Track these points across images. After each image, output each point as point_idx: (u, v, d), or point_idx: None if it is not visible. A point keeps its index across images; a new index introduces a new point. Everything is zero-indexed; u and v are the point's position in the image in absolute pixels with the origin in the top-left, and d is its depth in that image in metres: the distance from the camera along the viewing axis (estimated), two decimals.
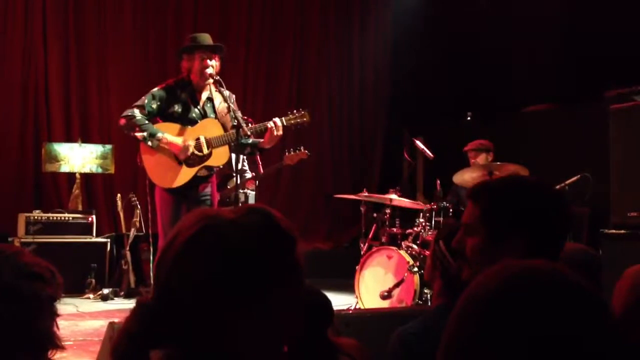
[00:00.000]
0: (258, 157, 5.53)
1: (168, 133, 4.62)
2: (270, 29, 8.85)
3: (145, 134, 4.55)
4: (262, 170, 5.91)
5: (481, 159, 5.80)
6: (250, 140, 4.70)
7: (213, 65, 4.62)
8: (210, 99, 4.76)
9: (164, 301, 0.90)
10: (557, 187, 5.53)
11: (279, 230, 0.99)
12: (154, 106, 4.65)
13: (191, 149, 4.59)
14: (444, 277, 2.10)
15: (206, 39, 4.74)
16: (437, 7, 8.71)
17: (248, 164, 6.14)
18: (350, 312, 4.64)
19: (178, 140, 4.60)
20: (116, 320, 5.33)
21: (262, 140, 4.70)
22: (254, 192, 6.43)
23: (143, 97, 4.67)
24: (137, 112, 4.60)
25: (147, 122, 4.59)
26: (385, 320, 3.19)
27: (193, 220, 0.98)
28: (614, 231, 4.92)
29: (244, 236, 0.96)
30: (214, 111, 4.75)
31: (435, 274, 2.12)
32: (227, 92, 4.60)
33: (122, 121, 4.64)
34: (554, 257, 1.64)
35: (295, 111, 4.82)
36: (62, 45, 7.71)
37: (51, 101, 7.64)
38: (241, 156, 5.59)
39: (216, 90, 4.70)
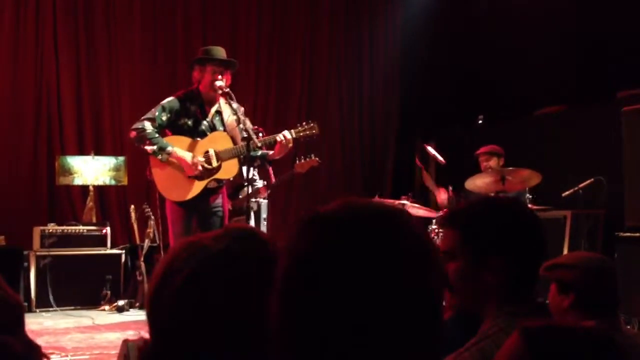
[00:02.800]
0: (270, 168, 5.54)
1: (177, 146, 4.63)
2: (280, 40, 8.87)
3: (155, 147, 4.57)
4: (274, 180, 5.92)
5: (493, 162, 5.78)
6: (260, 153, 4.71)
7: (223, 80, 4.63)
8: (218, 112, 4.77)
9: (166, 344, 0.88)
10: (571, 190, 5.50)
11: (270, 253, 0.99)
12: (164, 118, 4.66)
13: (201, 164, 4.60)
14: (453, 287, 2.11)
15: (220, 52, 4.74)
16: (445, 11, 8.70)
17: (259, 174, 6.15)
18: None
19: (187, 156, 4.60)
20: (131, 332, 5.38)
21: (271, 152, 4.71)
22: (266, 201, 6.44)
23: (153, 110, 4.68)
24: (147, 124, 4.61)
25: (157, 135, 4.60)
26: None
27: (183, 256, 0.97)
28: (629, 234, 4.89)
29: (242, 265, 0.95)
30: (223, 124, 4.76)
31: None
32: (235, 105, 4.61)
33: (133, 134, 4.66)
34: (534, 276, 1.67)
35: (304, 123, 4.83)
36: (73, 60, 7.77)
37: (64, 114, 7.70)
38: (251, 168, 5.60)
39: (225, 103, 4.71)
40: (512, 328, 1.54)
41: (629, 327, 4.42)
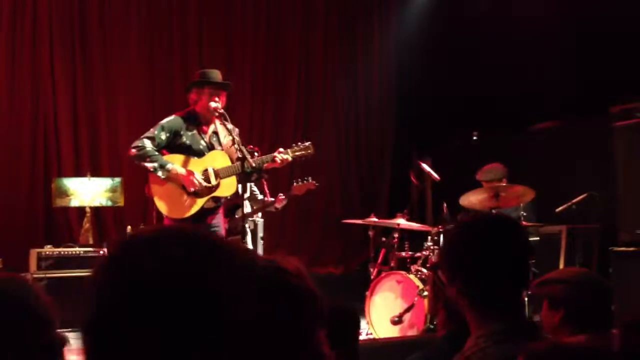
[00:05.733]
0: (264, 182, 5.55)
1: (176, 164, 4.68)
2: (275, 58, 8.94)
3: (155, 164, 4.61)
4: (269, 196, 5.93)
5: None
6: (255, 165, 4.74)
7: (218, 101, 4.71)
8: (215, 133, 4.84)
9: None
10: (565, 206, 5.53)
11: None
12: (163, 138, 4.71)
13: (200, 181, 4.63)
14: (447, 306, 2.13)
15: (216, 75, 4.83)
16: (439, 28, 8.77)
17: (257, 187, 6.15)
18: (360, 342, 4.61)
19: (186, 172, 4.65)
20: None
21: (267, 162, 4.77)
22: (262, 220, 6.45)
23: (152, 129, 4.74)
24: (147, 142, 4.67)
25: (157, 152, 4.66)
26: (396, 350, 3.19)
27: None
28: (623, 249, 4.91)
29: None
30: (220, 144, 4.82)
31: (438, 305, 2.14)
32: (230, 126, 4.66)
33: (132, 152, 4.70)
34: (516, 292, 1.66)
35: (299, 143, 4.90)
36: (70, 81, 7.82)
37: (60, 137, 7.73)
38: (249, 184, 5.63)
39: (221, 124, 4.76)
40: (494, 347, 1.55)
41: None
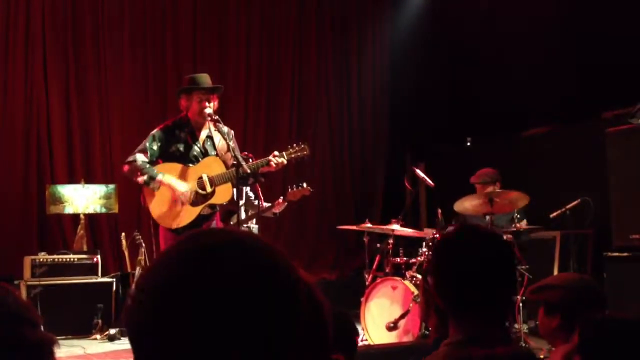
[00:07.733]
0: (258, 187, 5.52)
1: (170, 173, 4.66)
2: (268, 61, 8.97)
3: (145, 177, 4.61)
4: (263, 202, 5.92)
5: (489, 189, 5.76)
6: (249, 170, 4.74)
7: (211, 106, 4.68)
8: (210, 137, 4.81)
9: None
10: (559, 212, 5.55)
11: None
12: (155, 148, 4.70)
13: (191, 195, 4.62)
14: (438, 312, 2.13)
15: (205, 79, 4.79)
16: (433, 33, 8.81)
17: (253, 192, 6.14)
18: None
19: (179, 186, 4.62)
20: None
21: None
22: (257, 227, 6.44)
23: (144, 141, 4.73)
24: (139, 156, 4.66)
25: (148, 165, 4.64)
26: (390, 356, 3.20)
27: None
28: (617, 254, 4.94)
29: None
30: (215, 149, 4.80)
31: (430, 311, 2.15)
32: (225, 129, 4.65)
33: (125, 168, 4.70)
34: (487, 303, 1.65)
35: (295, 145, 4.88)
36: (63, 87, 7.81)
37: (54, 143, 7.71)
38: (244, 189, 5.61)
39: (215, 129, 4.75)
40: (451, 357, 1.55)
41: None
